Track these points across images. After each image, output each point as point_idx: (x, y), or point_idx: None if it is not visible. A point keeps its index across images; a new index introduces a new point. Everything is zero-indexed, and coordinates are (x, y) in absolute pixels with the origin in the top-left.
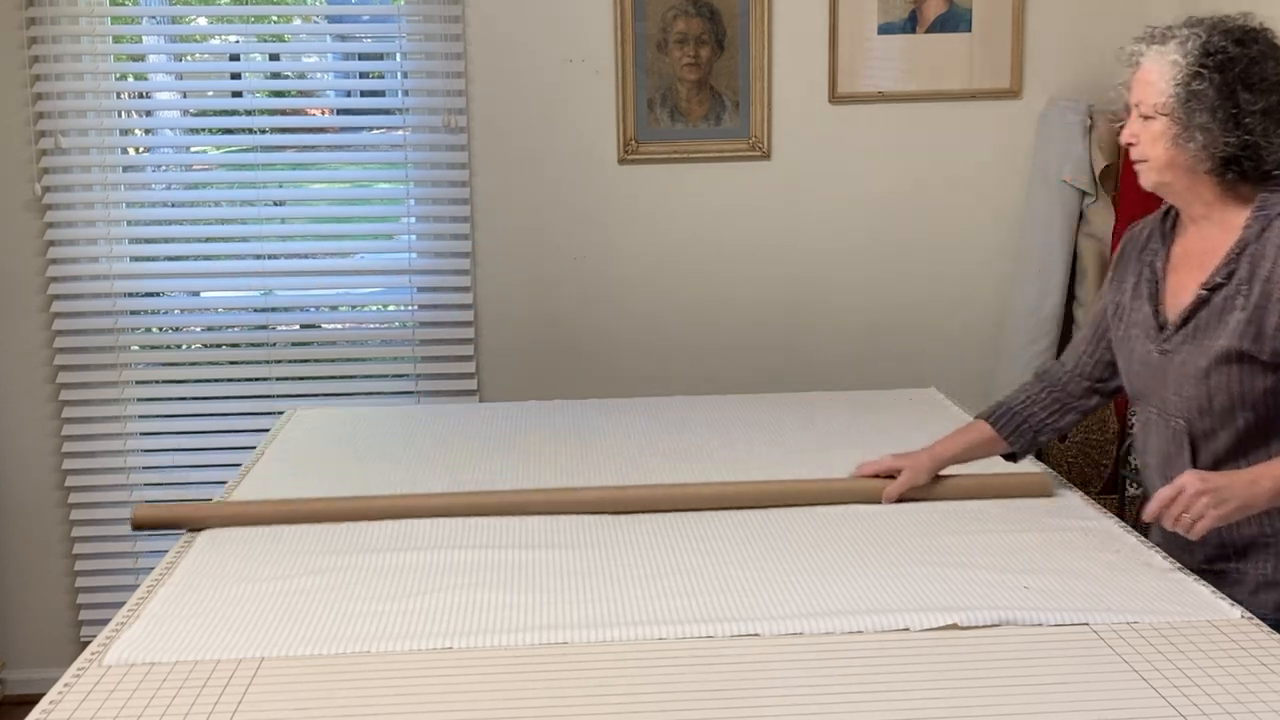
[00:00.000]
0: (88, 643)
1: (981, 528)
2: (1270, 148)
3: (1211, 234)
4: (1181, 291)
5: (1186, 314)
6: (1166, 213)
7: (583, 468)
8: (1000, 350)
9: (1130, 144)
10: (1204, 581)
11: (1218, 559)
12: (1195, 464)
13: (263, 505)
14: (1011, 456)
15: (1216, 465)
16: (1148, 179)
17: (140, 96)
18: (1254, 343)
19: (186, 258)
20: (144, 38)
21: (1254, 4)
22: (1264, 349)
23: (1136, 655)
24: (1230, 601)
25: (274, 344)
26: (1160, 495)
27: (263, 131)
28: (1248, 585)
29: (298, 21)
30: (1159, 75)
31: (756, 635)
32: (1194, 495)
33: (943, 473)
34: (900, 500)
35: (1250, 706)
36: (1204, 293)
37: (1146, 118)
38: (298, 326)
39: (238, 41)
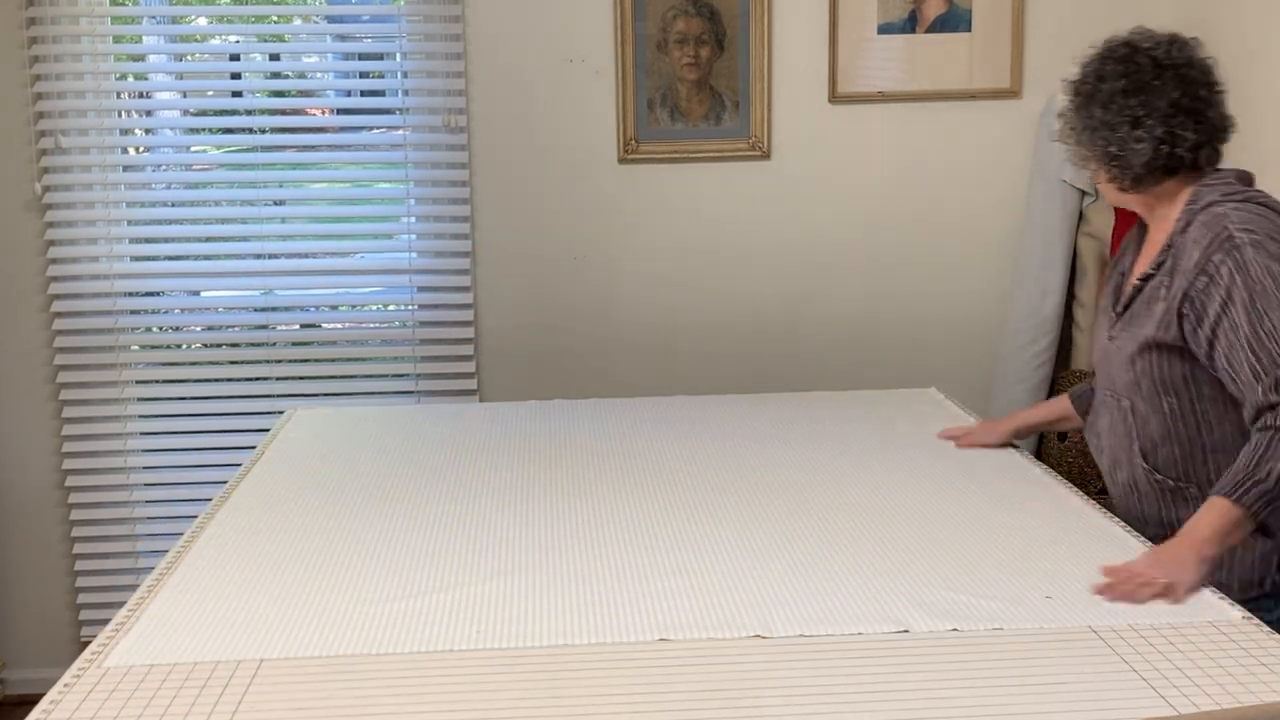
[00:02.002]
0: (88, 643)
1: (983, 529)
2: (1132, 154)
3: (1158, 230)
4: (1132, 281)
5: (1126, 303)
6: None
7: (582, 468)
8: (1000, 350)
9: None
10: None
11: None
12: (1144, 451)
13: None
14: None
15: (1154, 447)
16: (1104, 196)
17: (140, 96)
18: (1167, 330)
19: (186, 258)
20: (144, 38)
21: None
22: (1175, 336)
23: (1137, 656)
24: (1230, 602)
25: (274, 344)
26: (1110, 573)
27: (263, 131)
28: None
29: (298, 21)
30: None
31: (758, 636)
32: (1139, 585)
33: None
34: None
35: None
36: (1139, 283)
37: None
38: (298, 326)
39: (238, 41)
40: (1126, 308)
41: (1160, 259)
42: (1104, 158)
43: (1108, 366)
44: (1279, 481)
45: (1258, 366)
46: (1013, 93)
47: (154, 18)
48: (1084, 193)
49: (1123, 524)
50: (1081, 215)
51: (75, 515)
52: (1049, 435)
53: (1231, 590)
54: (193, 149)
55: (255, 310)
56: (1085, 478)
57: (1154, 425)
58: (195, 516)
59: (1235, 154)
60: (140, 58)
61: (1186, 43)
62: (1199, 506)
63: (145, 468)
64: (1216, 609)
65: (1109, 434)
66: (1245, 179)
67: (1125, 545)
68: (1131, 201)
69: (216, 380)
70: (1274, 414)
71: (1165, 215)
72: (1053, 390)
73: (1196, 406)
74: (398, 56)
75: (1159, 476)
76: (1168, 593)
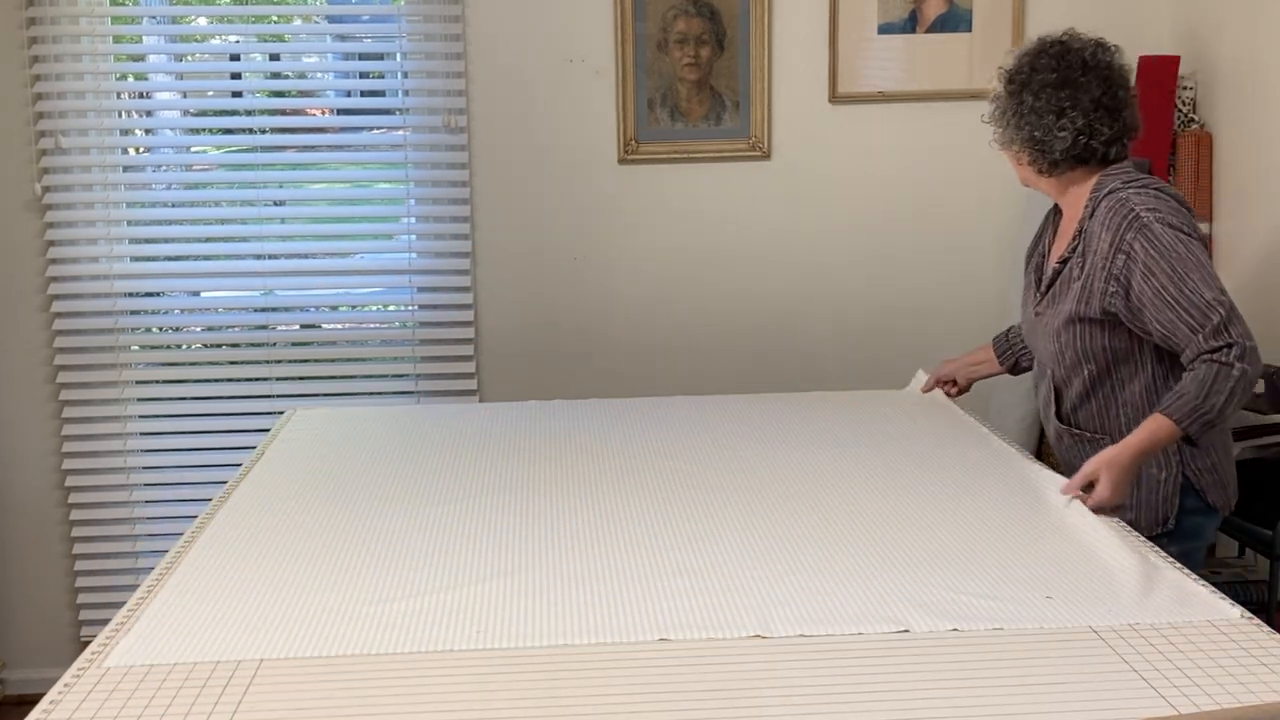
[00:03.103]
0: (88, 643)
1: (983, 529)
2: (1051, 142)
3: (1070, 216)
4: (1051, 263)
5: (1048, 283)
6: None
7: (583, 468)
8: None
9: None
10: (1204, 582)
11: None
12: (1059, 405)
13: None
14: (1014, 369)
15: (1075, 407)
16: (1021, 181)
17: (140, 96)
18: (1087, 306)
19: (186, 258)
20: (144, 38)
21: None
22: (1095, 311)
23: (1137, 656)
24: (1231, 602)
25: (274, 344)
26: (1072, 483)
27: (263, 131)
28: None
29: (298, 21)
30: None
31: (758, 636)
32: (1102, 478)
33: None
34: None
35: None
36: (1058, 265)
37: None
38: (298, 326)
39: (238, 41)
40: (1049, 288)
41: (1074, 244)
42: (1029, 141)
43: (1035, 339)
44: (1219, 412)
45: (1192, 322)
46: None
47: (154, 18)
48: None
49: (1123, 524)
50: None
51: (75, 515)
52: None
53: (1139, 526)
54: (193, 149)
55: (255, 310)
56: None
57: (1075, 389)
58: (195, 516)
59: (1234, 155)
60: (140, 58)
61: (1110, 48)
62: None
63: (145, 468)
64: (1217, 609)
65: (1042, 399)
66: (1143, 168)
67: (1125, 544)
68: (1044, 184)
69: (216, 380)
70: (1217, 354)
71: (1074, 200)
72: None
73: (1111, 370)
74: (398, 56)
75: (1078, 431)
76: (1108, 502)
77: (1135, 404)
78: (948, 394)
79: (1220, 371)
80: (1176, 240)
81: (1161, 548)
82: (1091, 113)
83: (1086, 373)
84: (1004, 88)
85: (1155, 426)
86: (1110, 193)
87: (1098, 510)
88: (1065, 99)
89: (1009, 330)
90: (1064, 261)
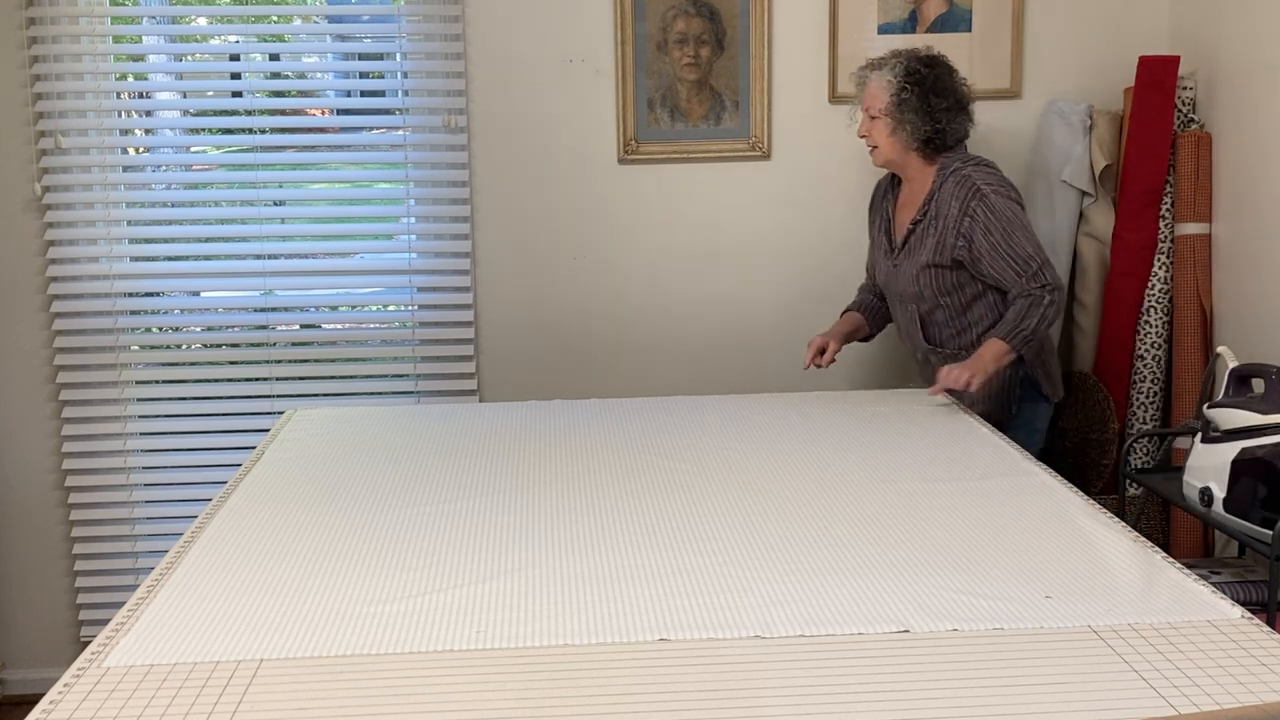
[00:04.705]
0: (88, 643)
1: (982, 529)
2: (950, 131)
3: (917, 188)
4: (901, 225)
5: (904, 239)
6: (893, 176)
7: (583, 468)
8: None
9: (864, 136)
10: (1204, 582)
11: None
12: (925, 332)
13: None
14: (868, 337)
15: (937, 332)
16: (879, 159)
17: (140, 96)
18: (939, 255)
19: (186, 258)
20: (144, 38)
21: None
22: (946, 259)
23: (1137, 656)
24: (1231, 602)
25: (274, 344)
26: (938, 389)
27: (263, 131)
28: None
29: (298, 21)
30: (880, 90)
31: (758, 636)
32: (961, 378)
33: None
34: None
35: None
36: (911, 226)
37: (874, 118)
38: (298, 326)
39: (238, 41)
40: (905, 243)
41: (925, 209)
42: (925, 132)
43: (896, 284)
44: (1033, 331)
45: (1016, 268)
46: (1013, 93)
47: (154, 18)
48: (1084, 193)
49: (1123, 524)
50: (1081, 215)
51: (75, 515)
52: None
53: (991, 418)
54: (193, 149)
55: (255, 310)
56: (1085, 478)
57: (938, 317)
58: (195, 516)
59: (1234, 155)
60: (140, 58)
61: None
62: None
63: (145, 468)
64: (1216, 609)
65: (906, 329)
66: (966, 149)
67: (1125, 545)
68: (908, 162)
69: (216, 380)
70: (1030, 292)
71: (923, 176)
72: None
73: (961, 301)
74: (398, 56)
75: (941, 350)
76: (969, 381)
77: (980, 324)
78: (818, 364)
79: (1034, 301)
80: (1006, 206)
81: (1010, 436)
82: (958, 111)
83: (943, 304)
84: (911, 87)
85: (993, 347)
86: (955, 170)
87: (953, 386)
88: (951, 100)
89: (859, 303)
90: (916, 223)
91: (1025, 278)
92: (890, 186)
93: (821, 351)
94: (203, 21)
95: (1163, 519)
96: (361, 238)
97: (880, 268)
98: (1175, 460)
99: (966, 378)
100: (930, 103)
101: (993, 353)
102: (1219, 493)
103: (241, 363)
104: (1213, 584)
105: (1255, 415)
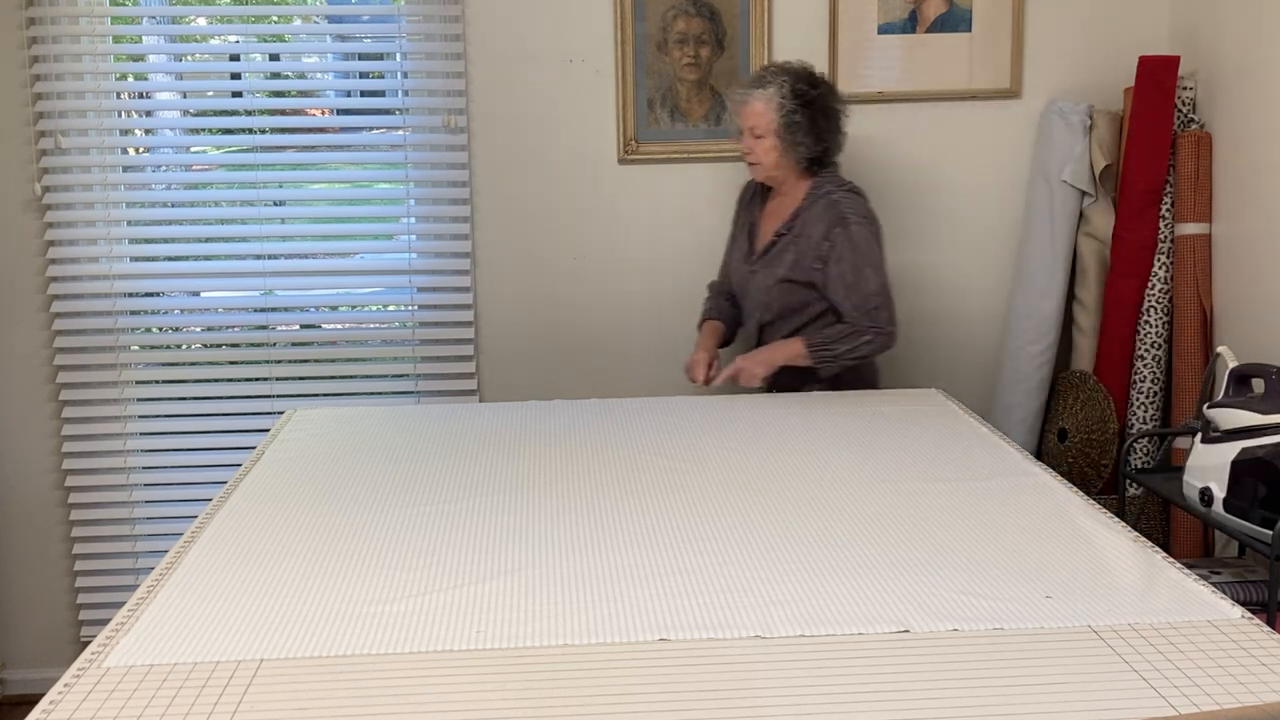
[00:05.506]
0: (88, 643)
1: (982, 529)
2: (833, 149)
3: (788, 200)
4: (765, 233)
5: (765, 248)
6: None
7: (583, 468)
8: (1000, 350)
9: (747, 153)
10: (1204, 582)
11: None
12: (759, 342)
13: None
14: (727, 343)
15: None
16: (759, 174)
17: (140, 96)
18: (796, 272)
19: (186, 258)
20: (144, 38)
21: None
22: (802, 277)
23: (1137, 656)
24: (1231, 602)
25: (274, 344)
26: (726, 373)
27: (263, 131)
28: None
29: (298, 21)
30: (767, 110)
31: (758, 636)
32: (745, 370)
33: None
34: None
35: None
36: (775, 237)
37: (759, 137)
38: (298, 326)
39: (238, 41)
40: (766, 252)
41: (790, 223)
42: (810, 149)
43: (746, 288)
44: (836, 356)
45: (854, 300)
46: (1013, 93)
47: (154, 18)
48: (1084, 193)
49: (1123, 524)
50: (1081, 215)
51: (75, 515)
52: (1049, 435)
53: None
54: (193, 149)
55: (255, 311)
56: (1085, 478)
57: (779, 329)
58: (195, 516)
59: (1234, 155)
60: (140, 58)
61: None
62: (793, 373)
63: (145, 468)
64: (1217, 609)
65: (746, 336)
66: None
67: (1125, 545)
68: (788, 176)
69: (216, 380)
70: (858, 324)
71: (796, 190)
72: (1053, 391)
73: (801, 321)
74: (398, 56)
75: None
76: (748, 375)
77: None
78: (710, 378)
79: (856, 333)
80: (865, 240)
81: None
82: (840, 129)
83: (786, 321)
84: (800, 108)
85: (794, 344)
86: (828, 194)
87: (746, 383)
88: (836, 119)
89: (716, 310)
90: (780, 235)
91: (860, 312)
92: (760, 192)
93: (710, 364)
94: (203, 21)
95: (1163, 519)
96: (361, 238)
97: (735, 270)
98: (1175, 460)
99: (760, 375)
100: (819, 124)
101: (787, 352)
102: (1219, 493)
103: (241, 363)
104: (1213, 584)
105: (1255, 415)
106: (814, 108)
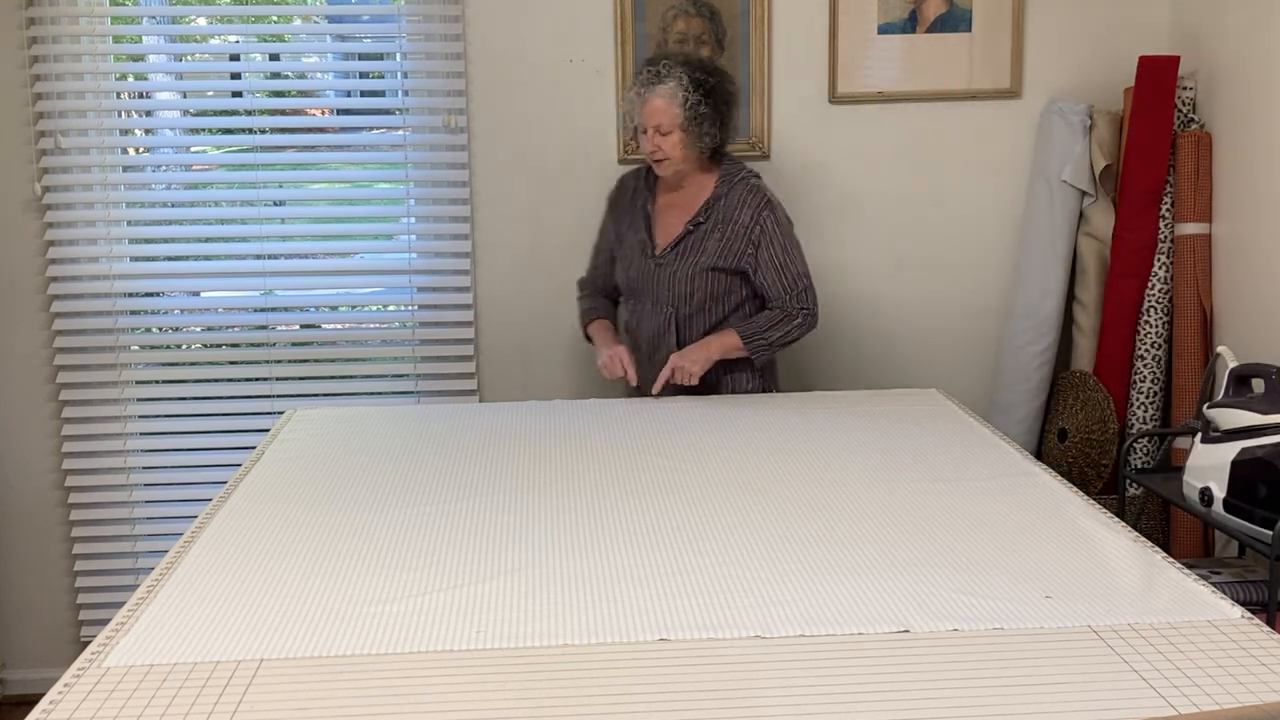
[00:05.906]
0: (88, 643)
1: (982, 528)
2: (732, 134)
3: (693, 191)
4: (669, 225)
5: (677, 240)
6: (646, 172)
7: (583, 468)
8: (1000, 350)
9: (655, 151)
10: (1204, 582)
11: (712, 391)
12: (677, 335)
13: None
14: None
15: (693, 335)
16: (668, 170)
17: (140, 96)
18: (724, 259)
19: (186, 258)
20: (144, 38)
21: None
22: (731, 264)
23: (1137, 656)
24: (1231, 602)
25: (274, 344)
26: (663, 375)
27: (263, 131)
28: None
29: (298, 21)
30: (669, 104)
31: (758, 636)
32: (681, 369)
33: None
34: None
35: None
36: (692, 226)
37: (666, 134)
38: (298, 326)
39: (238, 41)
40: (679, 244)
41: (707, 211)
42: (715, 138)
43: (648, 285)
44: (770, 343)
45: (785, 284)
46: (1013, 93)
47: (154, 18)
48: (1084, 193)
49: (1123, 524)
50: (1081, 215)
51: (75, 515)
52: (1049, 435)
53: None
54: (193, 149)
55: (255, 311)
56: (1085, 478)
57: (696, 322)
58: (195, 516)
59: (1234, 155)
60: (140, 58)
61: None
62: (722, 366)
63: (145, 468)
64: (1217, 609)
65: (655, 330)
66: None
67: (1125, 545)
68: (693, 168)
69: (216, 380)
70: (788, 308)
71: (702, 182)
72: (1053, 391)
73: (725, 308)
74: (398, 56)
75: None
76: (683, 373)
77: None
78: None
79: (787, 316)
80: (787, 222)
81: None
82: (734, 115)
83: (707, 309)
84: (703, 99)
85: (727, 336)
86: (743, 179)
87: (681, 381)
88: (733, 107)
89: (601, 309)
90: (697, 225)
91: (790, 295)
92: (645, 186)
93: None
94: (203, 21)
95: (1163, 519)
96: (361, 238)
97: (634, 267)
98: (1175, 460)
99: (697, 371)
100: (721, 111)
101: (723, 344)
102: (1219, 493)
103: (241, 363)
104: (1213, 584)
105: (1255, 415)
106: (715, 96)
